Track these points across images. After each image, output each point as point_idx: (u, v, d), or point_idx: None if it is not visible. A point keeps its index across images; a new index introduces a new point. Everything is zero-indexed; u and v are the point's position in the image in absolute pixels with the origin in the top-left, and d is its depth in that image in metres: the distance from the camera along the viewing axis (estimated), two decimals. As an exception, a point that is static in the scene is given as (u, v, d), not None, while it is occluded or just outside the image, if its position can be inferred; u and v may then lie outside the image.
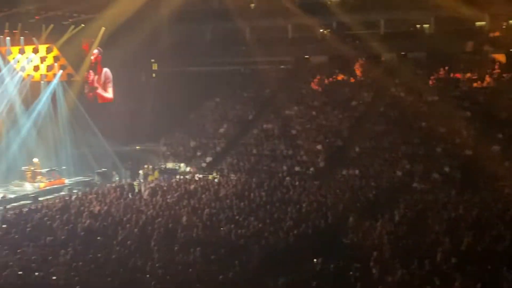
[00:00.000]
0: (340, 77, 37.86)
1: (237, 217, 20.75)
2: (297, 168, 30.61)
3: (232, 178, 28.97)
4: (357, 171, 29.29)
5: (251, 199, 23.57)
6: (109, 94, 34.48)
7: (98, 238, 18.62)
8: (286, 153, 32.32)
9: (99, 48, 33.02)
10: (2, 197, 26.98)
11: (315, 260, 16.03)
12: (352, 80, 37.35)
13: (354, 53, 37.08)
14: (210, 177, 29.87)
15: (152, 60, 40.85)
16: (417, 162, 28.98)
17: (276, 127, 34.84)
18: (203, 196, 24.43)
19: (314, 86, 37.61)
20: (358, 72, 37.43)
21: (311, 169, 30.26)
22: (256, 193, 24.53)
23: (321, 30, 39.66)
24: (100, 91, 34.04)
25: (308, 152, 31.82)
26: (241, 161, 32.32)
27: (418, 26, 37.81)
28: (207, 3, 37.15)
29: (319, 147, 31.99)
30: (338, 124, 33.67)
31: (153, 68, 41.61)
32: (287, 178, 28.58)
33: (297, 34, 39.65)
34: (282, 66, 39.29)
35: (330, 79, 37.84)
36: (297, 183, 27.23)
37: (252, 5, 38.16)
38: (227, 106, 38.07)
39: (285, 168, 30.84)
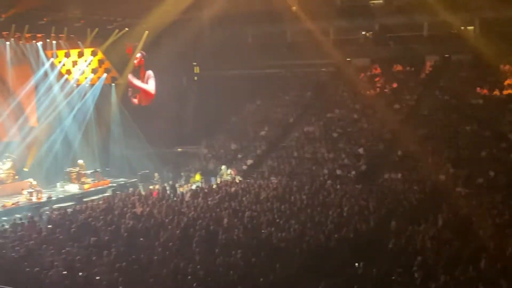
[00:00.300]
0: (383, 80, 37.45)
1: (278, 220, 20.73)
2: (338, 172, 30.38)
3: (273, 181, 28.94)
4: (399, 175, 28.91)
5: (292, 202, 23.51)
6: (150, 97, 34.89)
7: (141, 239, 18.82)
8: (327, 156, 32.12)
9: (142, 51, 33.50)
10: (48, 198, 27.59)
11: (356, 264, 15.90)
12: (394, 83, 36.90)
13: (396, 55, 36.68)
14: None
15: (194, 63, 41.17)
16: (461, 166, 28.46)
17: (317, 130, 34.67)
18: (244, 198, 24.48)
19: (356, 89, 37.32)
20: (400, 75, 36.99)
21: (353, 172, 30.01)
22: (297, 196, 24.46)
23: (363, 33, 39.34)
24: (142, 94, 34.57)
25: (349, 156, 31.58)
26: (281, 164, 32.27)
27: (462, 28, 37.15)
28: (249, 6, 37.17)
29: (361, 150, 31.72)
30: (380, 127, 33.31)
31: (195, 71, 41.91)
32: (329, 182, 28.41)
33: (339, 36, 39.44)
34: (323, 69, 39.08)
35: (372, 81, 37.47)
36: (338, 186, 27.05)
37: (294, 7, 38.07)
38: (268, 109, 38.08)
39: (326, 171, 30.66)
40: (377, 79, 37.63)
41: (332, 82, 38.57)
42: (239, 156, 34.26)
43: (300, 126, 35.77)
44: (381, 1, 38.26)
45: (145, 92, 34.34)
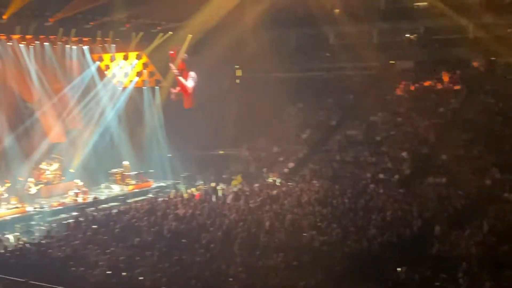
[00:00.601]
0: (427, 83, 36.94)
1: (319, 224, 20.63)
2: (381, 176, 30.07)
3: (314, 184, 28.84)
4: (444, 179, 28.43)
5: (334, 206, 23.38)
6: (193, 100, 35.21)
7: (183, 240, 19.01)
8: (370, 160, 31.84)
9: (184, 55, 33.86)
10: (93, 199, 28.12)
11: (398, 269, 15.73)
12: (439, 86, 36.37)
13: (441, 58, 36.12)
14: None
15: (236, 66, 41.36)
16: (508, 171, 27.82)
17: (360, 133, 34.41)
18: (285, 201, 24.45)
19: (399, 92, 36.93)
20: (445, 78, 36.43)
21: (396, 176, 29.65)
22: (339, 200, 24.31)
23: (407, 35, 38.87)
24: (185, 97, 34.92)
25: (393, 159, 31.22)
26: (323, 168, 32.12)
27: (508, 30, 36.36)
28: (292, 9, 37.17)
29: (404, 154, 31.32)
30: (425, 131, 32.81)
31: (237, 74, 42.09)
32: (371, 186, 28.13)
33: (383, 39, 39.07)
34: (366, 72, 38.76)
35: (416, 84, 37.01)
36: (381, 190, 26.73)
37: (337, 10, 37.89)
38: (310, 112, 37.94)
39: (369, 175, 30.37)
40: (420, 82, 37.11)
41: (375, 85, 38.20)
42: (281, 159, 34.24)
43: (342, 129, 35.54)
44: (425, 4, 37.77)
45: (188, 95, 34.67)
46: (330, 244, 18.20)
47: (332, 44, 39.81)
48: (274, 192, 26.58)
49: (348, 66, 37.87)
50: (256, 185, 29.43)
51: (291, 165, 33.37)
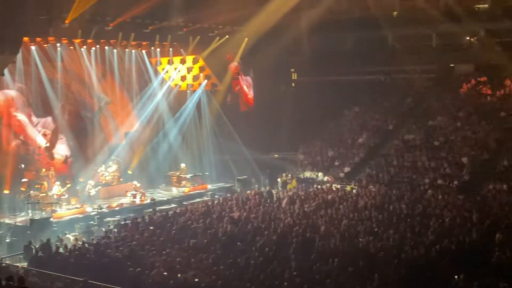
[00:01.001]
0: (488, 86, 35.96)
1: (376, 229, 20.35)
2: (440, 181, 29.42)
3: (371, 189, 28.47)
4: (505, 186, 27.58)
5: (391, 211, 23.01)
6: (249, 103, 35.47)
7: (238, 243, 19.04)
8: (428, 165, 31.18)
9: (239, 60, 34.10)
10: (151, 200, 28.55)
11: (456, 276, 15.35)
12: (500, 90, 35.34)
13: (503, 61, 35.12)
14: (348, 188, 29.58)
15: (292, 70, 41.31)
16: None
17: (418, 138, 33.76)
18: (341, 206, 24.21)
19: (459, 95, 36.09)
20: (507, 82, 35.37)
21: (455, 182, 28.95)
22: (396, 205, 23.91)
23: (467, 38, 38.00)
24: (241, 101, 35.16)
25: (452, 165, 30.51)
26: (380, 172, 31.67)
27: None
28: (349, 12, 36.88)
29: (464, 159, 30.56)
30: (485, 136, 31.95)
31: (293, 78, 42.05)
32: (429, 191, 27.57)
33: (442, 41, 38.32)
34: (425, 75, 38.04)
35: (477, 88, 36.08)
36: (440, 196, 26.15)
37: (395, 12, 37.39)
38: (367, 115, 37.52)
39: (427, 180, 29.77)
40: (481, 85, 36.16)
41: (434, 89, 37.46)
42: (336, 163, 33.97)
43: (399, 133, 34.97)
44: (486, 6, 36.86)
45: (246, 98, 34.89)
46: (387, 250, 17.89)
47: (390, 47, 39.30)
48: (330, 196, 26.37)
49: (406, 69, 37.26)
50: (311, 189, 29.26)
51: (347, 169, 33.07)
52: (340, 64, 38.22)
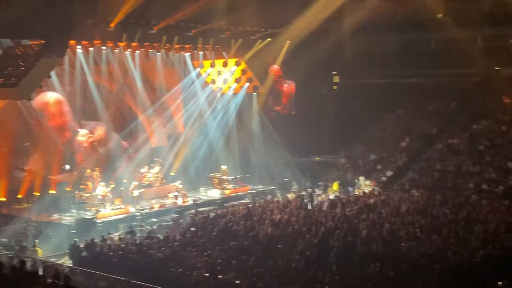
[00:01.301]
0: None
1: (418, 234, 20.07)
2: (484, 186, 28.86)
3: (413, 193, 28.13)
4: (552, 192, 26.98)
5: (434, 216, 22.68)
6: (290, 106, 35.52)
7: (279, 246, 19.05)
8: (472, 170, 30.63)
9: (280, 64, 34.14)
10: (193, 201, 28.79)
11: (500, 283, 15.07)
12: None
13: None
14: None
15: (334, 73, 41.12)
16: None
17: (462, 142, 33.20)
18: (383, 210, 23.96)
19: (505, 99, 35.35)
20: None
21: (500, 187, 28.35)
22: (440, 210, 23.54)
23: (512, 41, 37.25)
24: (282, 104, 35.18)
25: (497, 170, 29.89)
26: (423, 177, 31.24)
27: None
28: (391, 14, 36.51)
29: (509, 164, 29.91)
30: (532, 140, 31.29)
31: (334, 81, 41.82)
32: (474, 196, 27.10)
33: (487, 44, 37.58)
34: (470, 78, 37.39)
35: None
36: (484, 201, 25.70)
37: (439, 15, 36.83)
38: (410, 119, 37.08)
39: (471, 185, 29.23)
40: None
41: (478, 92, 36.80)
42: (379, 167, 33.65)
43: (443, 137, 34.44)
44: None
45: (285, 101, 34.90)
46: (429, 256, 17.65)
47: (433, 50, 38.75)
48: (372, 200, 26.14)
49: (450, 73, 36.67)
50: (353, 193, 29.06)
51: (389, 173, 32.72)
52: (383, 66, 37.82)
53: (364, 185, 31.28)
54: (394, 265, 16.76)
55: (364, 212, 23.81)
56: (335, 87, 41.62)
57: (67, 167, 28.34)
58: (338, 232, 20.13)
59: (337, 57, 38.02)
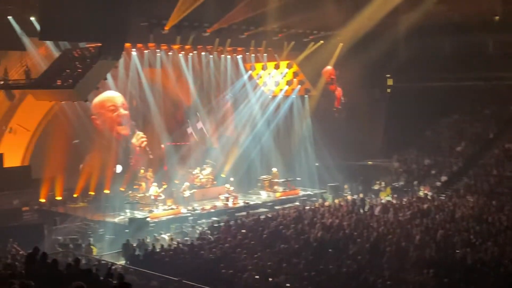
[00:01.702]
0: None
1: (474, 241, 19.61)
2: (544, 193, 28.01)
3: (468, 199, 27.48)
4: None
5: (490, 223, 22.06)
6: (342, 109, 35.23)
7: (330, 250, 18.90)
8: (530, 176, 29.79)
9: (333, 66, 33.91)
10: (244, 203, 28.88)
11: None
12: None
13: None
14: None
15: (387, 75, 40.57)
16: None
17: (520, 147, 32.32)
18: (437, 216, 23.50)
19: None
20: None
21: (560, 194, 27.47)
22: (496, 216, 22.89)
23: None
24: (334, 107, 34.95)
25: (558, 176, 28.98)
26: (479, 182, 30.46)
27: None
28: (448, 16, 35.74)
29: None
30: None
31: (388, 84, 41.25)
32: (531, 203, 26.31)
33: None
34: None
35: None
36: (543, 208, 24.91)
37: (497, 17, 35.88)
38: (466, 123, 36.24)
39: (529, 191, 28.42)
40: None
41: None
42: (433, 172, 33.01)
43: (500, 142, 33.50)
44: None
45: (337, 104, 34.67)
46: (485, 263, 17.24)
47: (490, 52, 37.76)
48: (425, 206, 25.64)
49: (507, 76, 35.65)
50: (406, 198, 28.59)
51: (444, 178, 32.05)
52: (438, 69, 37.08)
53: (418, 190, 30.75)
54: (448, 271, 16.45)
55: (417, 217, 23.40)
56: (388, 90, 41.03)
57: (119, 168, 28.87)
58: (390, 237, 19.87)
59: (391, 59, 37.44)
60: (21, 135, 28.18)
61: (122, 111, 29.33)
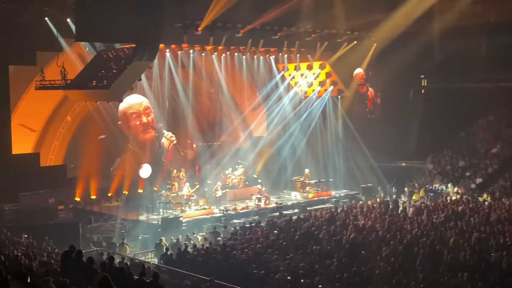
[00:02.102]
0: None
1: (509, 244, 19.23)
2: None
3: (504, 201, 27.00)
4: None
5: (526, 226, 21.69)
6: (376, 110, 34.99)
7: (362, 252, 18.76)
8: None
9: (367, 67, 33.68)
10: (276, 204, 28.88)
11: None
12: None
13: None
14: (480, 199, 28.26)
15: (422, 76, 40.11)
16: None
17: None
18: (472, 219, 23.14)
19: None
20: None
21: None
22: (533, 220, 22.52)
23: None
24: (368, 108, 34.73)
25: None
26: (515, 185, 30.01)
27: None
28: (484, 16, 35.18)
29: None
30: None
31: (423, 84, 40.78)
32: None
33: None
34: None
35: None
36: None
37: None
38: (502, 125, 35.67)
39: None
40: None
41: None
42: (468, 174, 32.55)
43: (537, 144, 32.95)
44: None
45: (370, 104, 34.44)
46: (521, 267, 16.91)
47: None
48: (460, 208, 25.29)
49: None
50: (440, 200, 28.24)
51: (479, 180, 31.59)
52: (474, 70, 36.52)
53: (452, 193, 30.35)
54: (483, 275, 16.16)
55: (451, 219, 23.09)
56: (423, 91, 40.55)
57: (146, 171, 29.11)
58: (424, 239, 19.62)
59: (426, 60, 37.06)
60: (58, 135, 28.60)
61: (144, 119, 29.66)
